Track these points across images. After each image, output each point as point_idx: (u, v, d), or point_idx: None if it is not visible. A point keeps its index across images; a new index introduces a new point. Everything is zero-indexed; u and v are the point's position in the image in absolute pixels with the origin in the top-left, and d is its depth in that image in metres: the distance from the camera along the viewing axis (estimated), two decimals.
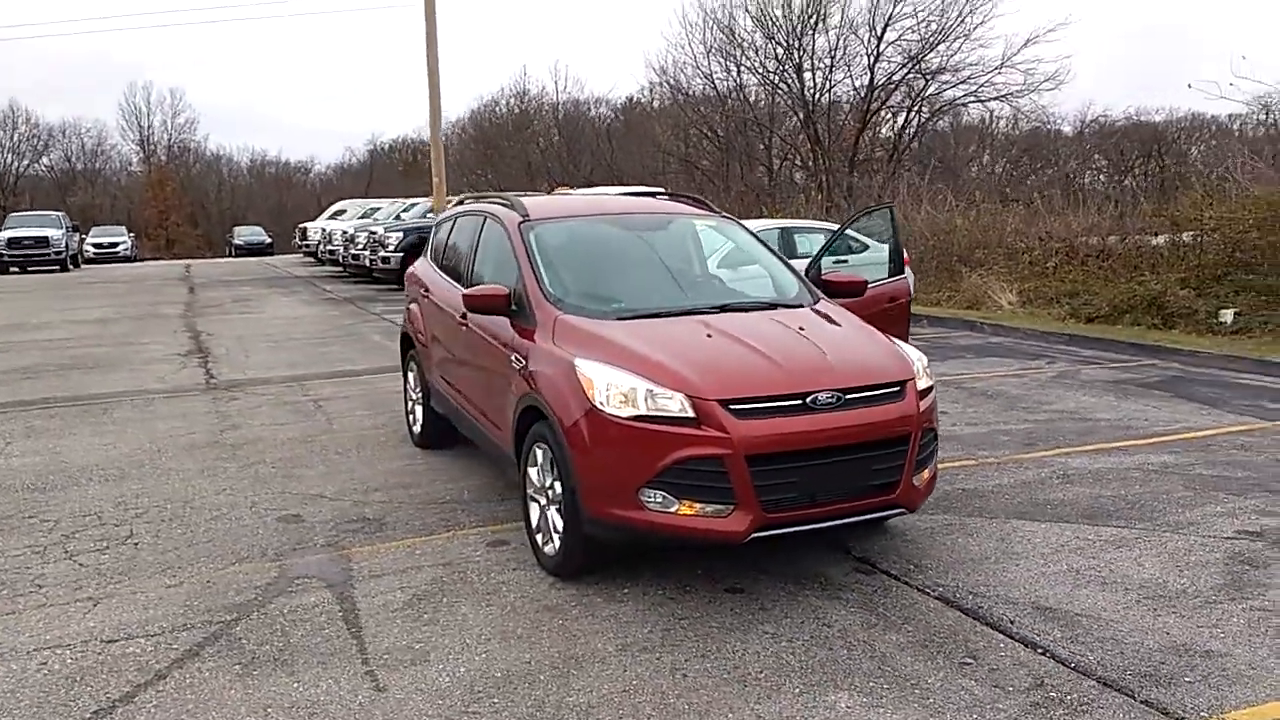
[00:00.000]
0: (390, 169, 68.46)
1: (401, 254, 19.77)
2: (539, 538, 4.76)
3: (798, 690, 3.55)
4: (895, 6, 30.94)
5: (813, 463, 4.10)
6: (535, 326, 4.86)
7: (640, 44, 70.22)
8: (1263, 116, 42.14)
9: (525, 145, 48.54)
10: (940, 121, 34.93)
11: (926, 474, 4.55)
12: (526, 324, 4.94)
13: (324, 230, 27.34)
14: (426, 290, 6.68)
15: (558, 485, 4.50)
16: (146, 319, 16.14)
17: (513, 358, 4.94)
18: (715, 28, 34.10)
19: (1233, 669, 3.64)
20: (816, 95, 32.92)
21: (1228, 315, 12.87)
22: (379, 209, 28.56)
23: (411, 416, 7.23)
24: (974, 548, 4.94)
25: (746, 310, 5.01)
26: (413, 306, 7.06)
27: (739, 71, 34.38)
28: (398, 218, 23.95)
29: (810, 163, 33.42)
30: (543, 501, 4.70)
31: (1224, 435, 7.16)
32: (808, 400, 4.14)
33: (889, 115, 33.35)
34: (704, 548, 4.57)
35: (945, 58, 31.17)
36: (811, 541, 4.80)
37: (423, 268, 7.02)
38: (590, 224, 5.78)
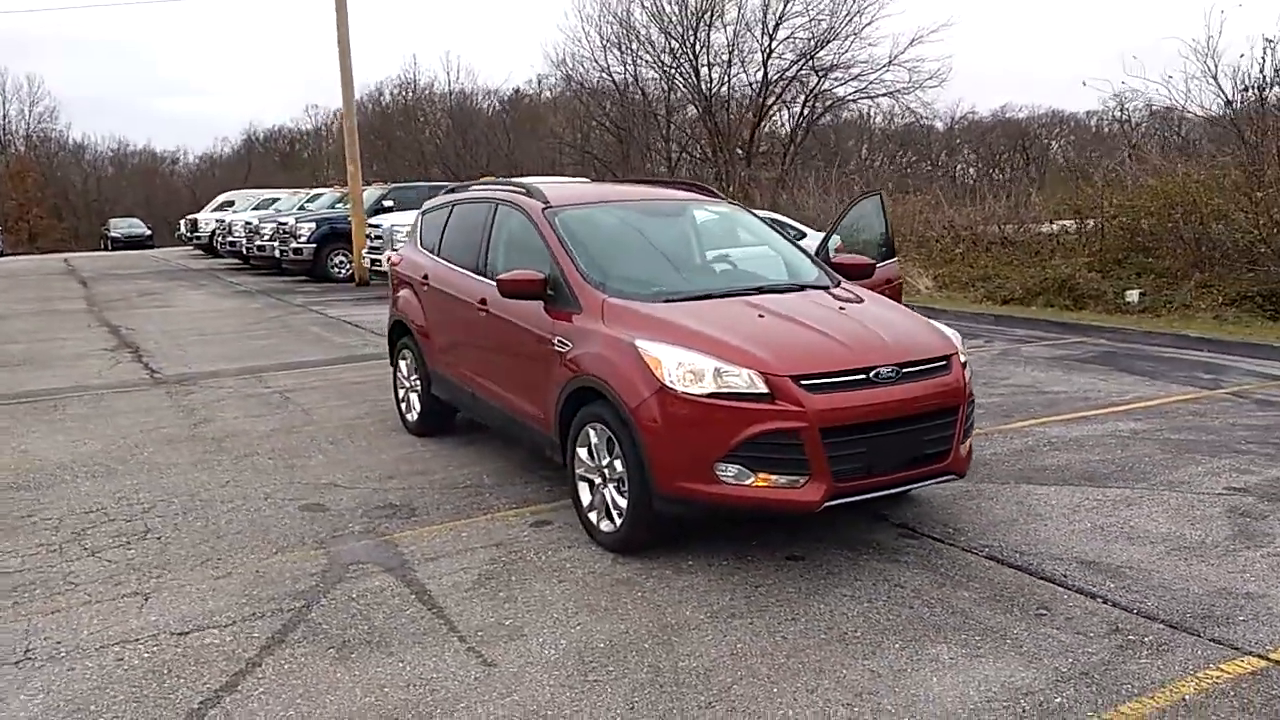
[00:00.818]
0: (267, 158, 66.19)
1: (314, 245, 19.33)
2: (592, 516, 4.82)
3: (898, 646, 3.73)
4: (787, 5, 31.72)
5: (876, 434, 4.29)
6: (579, 310, 4.91)
7: (537, 34, 69.67)
8: (1118, 113, 44.93)
9: (417, 135, 47.71)
10: (825, 117, 35.86)
11: (969, 442, 4.80)
12: (567, 308, 4.99)
13: (222, 222, 26.36)
14: (424, 278, 6.61)
15: (618, 464, 4.57)
16: (48, 314, 15.35)
17: (556, 341, 4.98)
18: (612, 21, 34.29)
19: (1276, 608, 3.99)
20: (714, 89, 33.46)
21: (1134, 295, 13.75)
22: (277, 199, 27.72)
23: (404, 405, 7.14)
24: (998, 511, 5.22)
25: (782, 292, 5.17)
26: (404, 295, 6.97)
27: (635, 64, 34.69)
28: (302, 208, 23.32)
29: (709, 154, 33.97)
30: (597, 480, 4.76)
31: (1175, 404, 7.70)
32: (870, 375, 4.33)
33: (785, 109, 34.10)
34: (775, 518, 4.74)
35: (837, 55, 32.12)
36: (852, 510, 4.99)
37: (415, 256, 6.94)
38: (611, 210, 5.84)
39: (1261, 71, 14.32)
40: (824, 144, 36.52)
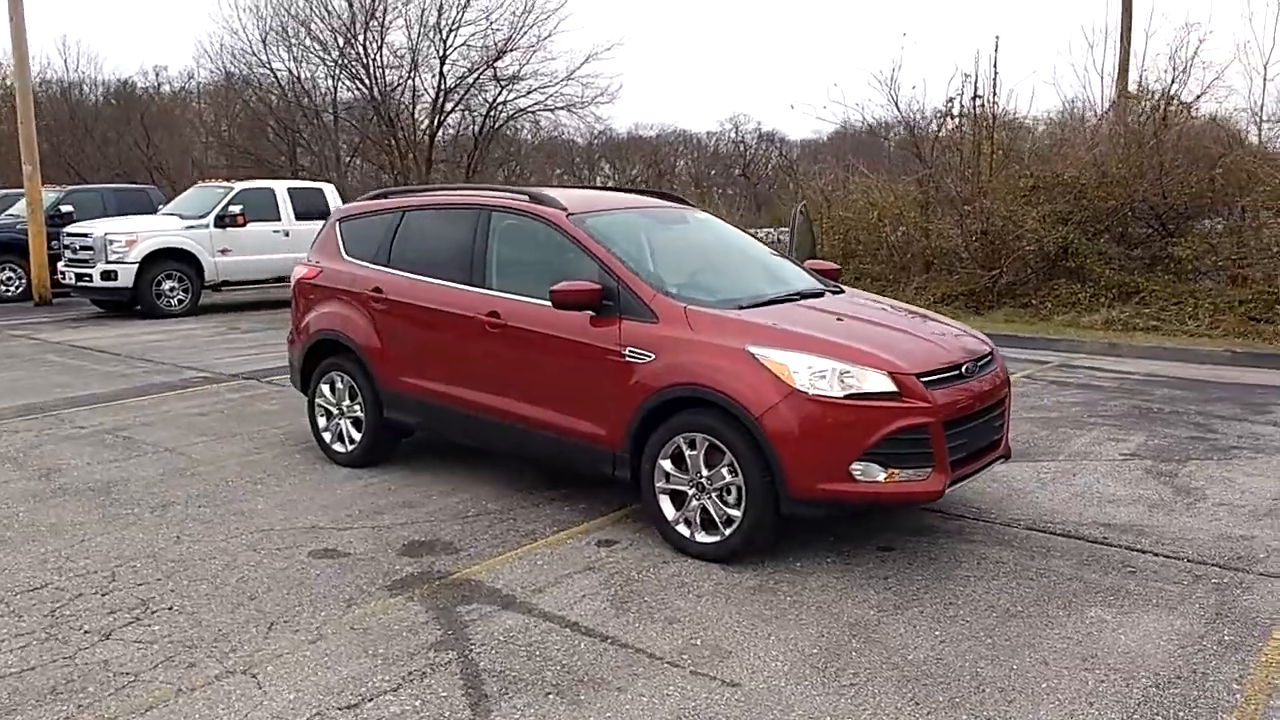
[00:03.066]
0: None
1: None
2: (681, 529, 4.79)
3: (1062, 613, 4.15)
4: (461, 13, 31.70)
5: (970, 424, 4.71)
6: (654, 320, 4.85)
7: (190, 24, 62.33)
8: (733, 134, 49.60)
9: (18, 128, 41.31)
10: (507, 127, 36.27)
11: None
12: (636, 318, 4.90)
13: None
14: (377, 292, 6.07)
15: (725, 473, 4.60)
16: None
17: (627, 353, 4.88)
18: (273, 15, 32.22)
19: (1272, 544, 4.92)
20: (390, 92, 32.59)
21: None
22: None
23: (331, 434, 6.48)
24: (991, 489, 5.84)
25: (818, 296, 5.45)
26: (334, 311, 6.33)
27: (298, 62, 32.89)
28: None
29: (387, 158, 32.98)
30: (690, 492, 4.74)
31: None
32: (962, 370, 4.74)
33: (468, 117, 34.01)
34: (899, 509, 5.11)
35: (519, 66, 32.62)
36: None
37: (346, 268, 6.33)
38: (628, 216, 5.76)
39: (948, 101, 16.61)
40: (511, 154, 36.86)
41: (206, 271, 14.87)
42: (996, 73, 15.33)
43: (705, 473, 4.67)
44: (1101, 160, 15.19)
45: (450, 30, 32.20)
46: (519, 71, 32.94)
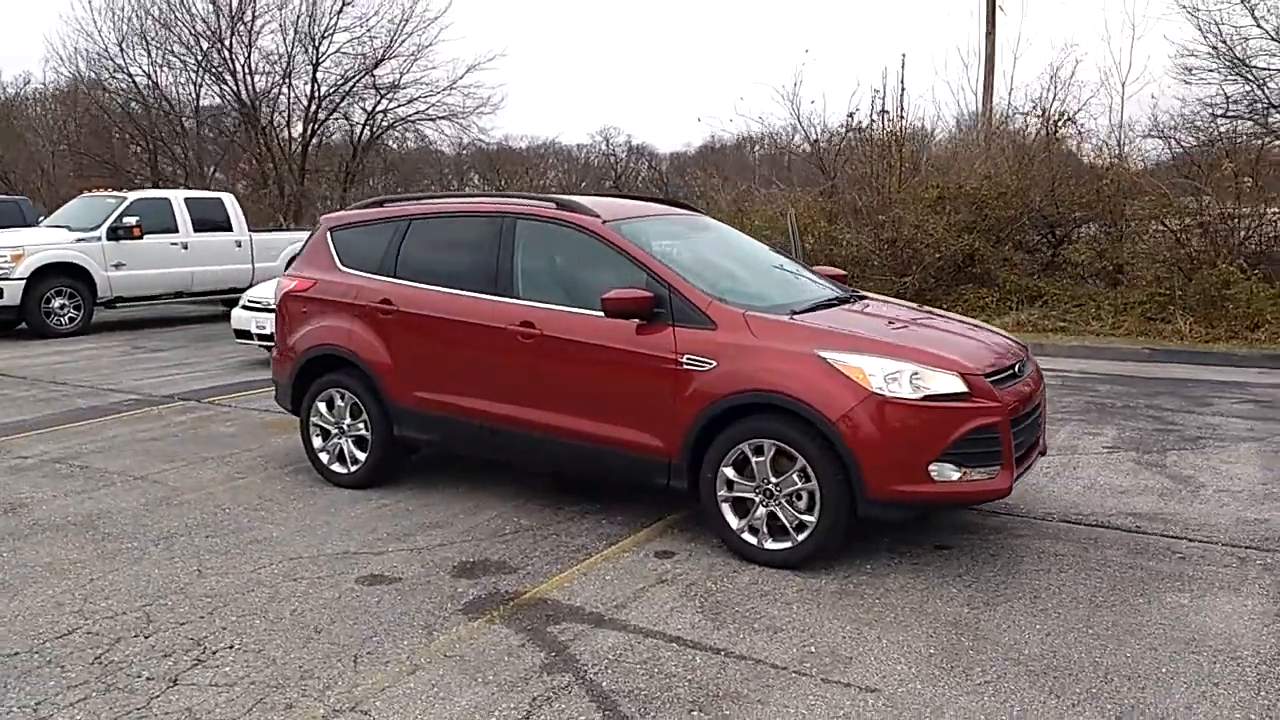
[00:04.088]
0: None
1: None
2: (748, 537, 4.74)
3: (1142, 600, 4.30)
4: (336, 19, 30.81)
5: (1025, 421, 4.84)
6: (712, 327, 4.79)
7: (31, 25, 57.16)
8: (604, 146, 50.08)
9: None
10: (387, 137, 35.43)
11: None
12: (690, 325, 4.83)
13: None
14: (385, 304, 5.79)
15: (796, 478, 4.58)
16: None
17: (684, 360, 4.80)
18: (133, 16, 30.54)
19: None
20: (262, 98, 31.36)
21: None
22: None
23: (329, 454, 6.13)
24: None
25: (853, 300, 5.51)
26: (333, 324, 5.99)
27: (159, 66, 31.29)
28: None
29: (257, 166, 31.67)
30: (757, 498, 4.70)
31: None
32: (1015, 369, 4.87)
33: (346, 126, 33.06)
34: (969, 508, 5.19)
35: (400, 74, 31.93)
36: None
37: (345, 279, 6.02)
38: (660, 224, 5.68)
39: (849, 116, 17.12)
40: (392, 166, 36.01)
41: (99, 287, 13.90)
42: (904, 89, 15.86)
43: (773, 479, 4.64)
44: (996, 172, 15.93)
45: (323, 36, 31.24)
46: (399, 80, 32.30)
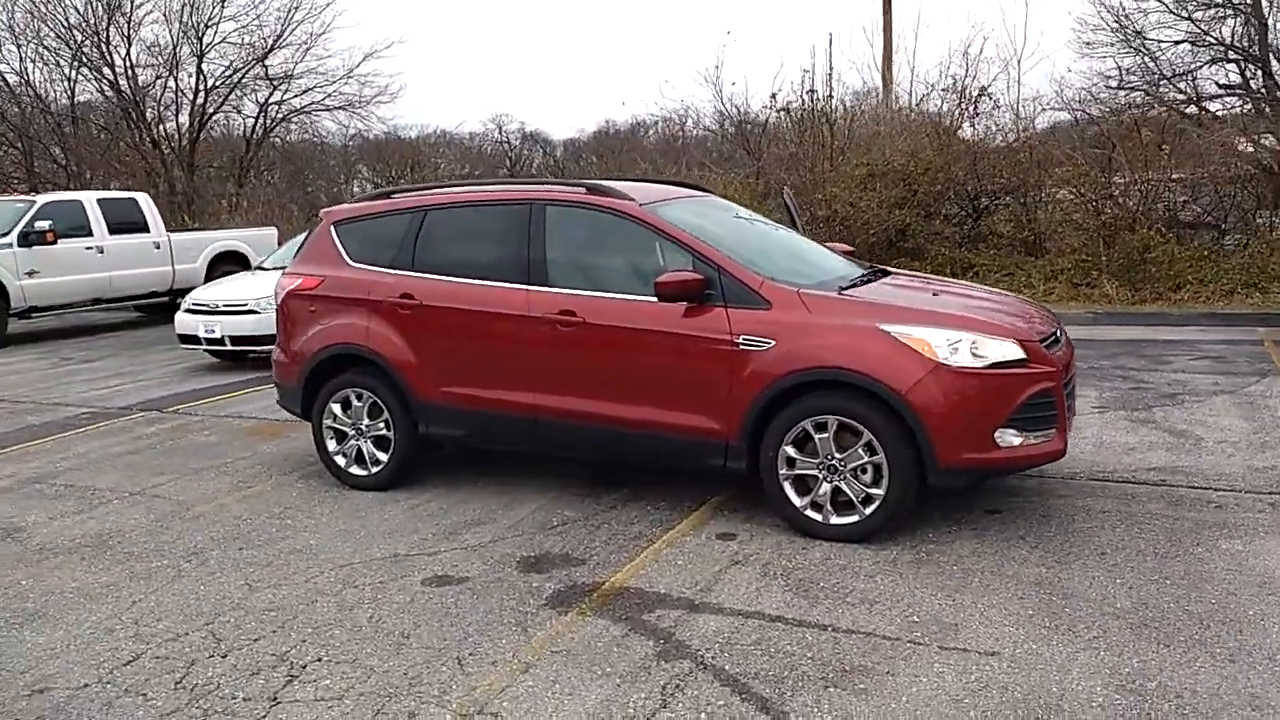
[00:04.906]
0: None
1: None
2: (812, 514, 4.77)
3: (1201, 549, 4.48)
4: (221, 8, 29.62)
5: (1069, 385, 4.99)
6: (766, 306, 4.79)
7: None
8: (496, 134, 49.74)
9: None
10: (280, 130, 34.27)
11: None
12: (745, 305, 4.82)
13: None
14: (406, 298, 5.61)
15: (862, 452, 4.63)
16: None
17: (741, 340, 4.79)
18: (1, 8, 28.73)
19: None
20: (144, 95, 29.96)
21: None
22: None
23: (346, 458, 5.92)
24: None
25: (885, 274, 5.60)
26: (349, 323, 5.76)
27: (29, 62, 29.61)
28: None
29: (143, 164, 30.22)
30: (821, 474, 4.73)
31: None
32: (1057, 336, 5.01)
33: (240, 119, 31.85)
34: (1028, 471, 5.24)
35: (293, 64, 30.91)
36: None
37: (357, 274, 5.79)
38: (692, 205, 5.63)
39: (772, 97, 17.30)
40: (289, 159, 34.85)
41: (12, 297, 13.09)
42: (832, 68, 16.12)
43: (838, 454, 4.67)
44: (919, 149, 16.34)
45: (207, 25, 29.97)
46: (293, 70, 31.28)
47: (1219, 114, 18.11)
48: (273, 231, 17.04)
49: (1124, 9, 17.70)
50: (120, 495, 6.06)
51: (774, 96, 17.44)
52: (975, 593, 4.14)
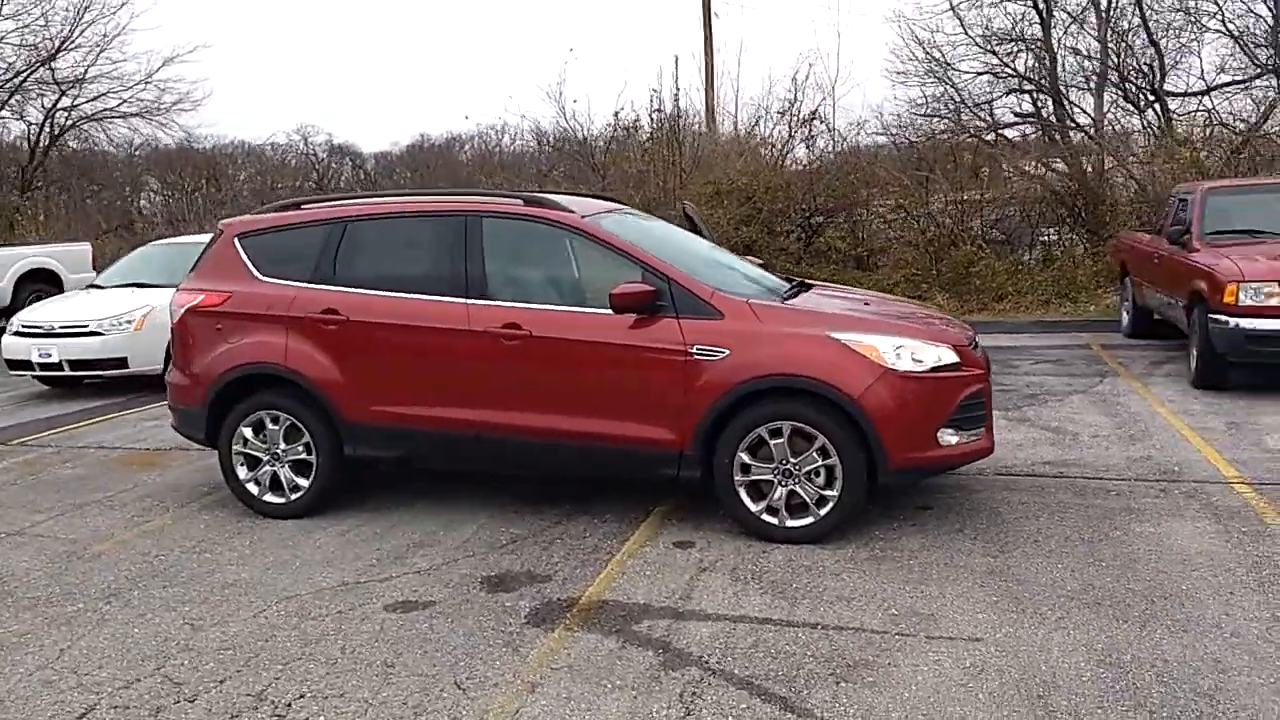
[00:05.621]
0: None
1: None
2: (768, 518, 4.88)
3: (1119, 533, 4.87)
4: None
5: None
6: (718, 316, 4.89)
7: None
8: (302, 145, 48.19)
9: None
10: (69, 136, 31.77)
11: None
12: (698, 315, 4.91)
13: None
14: (329, 313, 5.36)
15: (817, 456, 4.79)
16: None
17: (694, 350, 4.87)
18: None
19: (1172, 463, 6.13)
20: None
21: None
22: None
23: (259, 486, 5.57)
24: None
25: (808, 285, 5.81)
26: (276, 340, 5.41)
27: None
28: None
29: None
30: (775, 479, 4.87)
31: None
32: (974, 341, 5.36)
33: (21, 125, 29.34)
34: (955, 470, 5.41)
35: (84, 68, 28.77)
36: None
37: (288, 291, 5.45)
38: (624, 218, 5.63)
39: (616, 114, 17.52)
40: (86, 168, 32.32)
41: None
42: (678, 89, 16.49)
43: (792, 459, 4.81)
44: (759, 169, 16.99)
45: None
46: (84, 74, 29.09)
47: (1014, 140, 19.79)
48: (86, 247, 15.80)
49: (934, 42, 19.03)
50: (22, 537, 5.47)
51: (617, 115, 17.66)
52: (938, 584, 4.35)
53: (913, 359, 4.79)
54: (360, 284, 5.38)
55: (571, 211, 5.22)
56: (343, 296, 5.36)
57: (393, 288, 5.33)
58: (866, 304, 5.45)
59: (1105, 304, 13.45)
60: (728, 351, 4.82)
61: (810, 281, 6.15)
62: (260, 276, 5.56)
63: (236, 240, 5.69)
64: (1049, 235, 16.50)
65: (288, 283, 5.49)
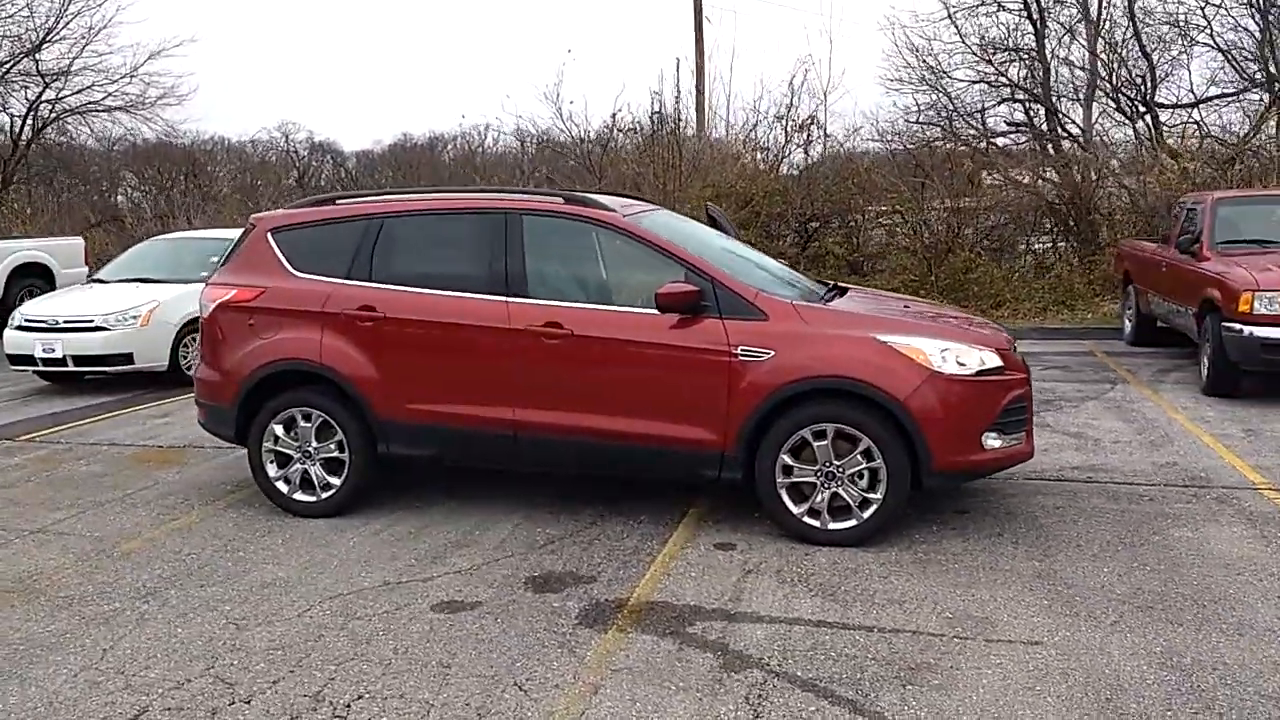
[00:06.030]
0: None
1: None
2: (809, 520, 4.86)
3: (1159, 537, 4.89)
4: None
5: None
6: (763, 318, 4.88)
7: None
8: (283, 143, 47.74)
9: None
10: (51, 130, 31.39)
11: None
12: (741, 316, 4.88)
13: None
14: (365, 310, 5.30)
15: (860, 458, 4.78)
16: None
17: (739, 351, 4.85)
18: None
19: (1197, 468, 6.17)
20: None
21: None
22: None
23: (289, 484, 5.49)
24: None
25: (846, 290, 5.81)
26: (312, 337, 5.33)
27: None
28: None
29: None
30: (818, 481, 4.85)
31: None
32: (1014, 346, 5.37)
33: (4, 117, 28.95)
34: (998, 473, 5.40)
35: (70, 60, 28.44)
36: None
37: (324, 287, 5.37)
38: (665, 218, 5.62)
39: (613, 116, 17.50)
40: (67, 162, 31.97)
41: None
42: (679, 92, 16.48)
43: (836, 461, 4.80)
44: (757, 173, 17.02)
45: None
46: (69, 66, 28.74)
47: (1006, 149, 19.93)
48: (79, 242, 15.58)
49: (929, 50, 19.13)
50: (22, 535, 5.39)
51: (614, 117, 17.64)
52: (987, 588, 4.35)
53: (957, 362, 4.79)
54: (397, 281, 5.33)
55: (613, 210, 5.20)
56: (379, 293, 5.31)
57: (430, 285, 5.28)
58: (906, 307, 5.45)
59: (1103, 312, 13.56)
60: (773, 353, 4.81)
61: (844, 285, 6.14)
62: (294, 271, 5.49)
63: (270, 235, 5.62)
64: (1038, 245, 16.65)
65: (322, 278, 5.43)
